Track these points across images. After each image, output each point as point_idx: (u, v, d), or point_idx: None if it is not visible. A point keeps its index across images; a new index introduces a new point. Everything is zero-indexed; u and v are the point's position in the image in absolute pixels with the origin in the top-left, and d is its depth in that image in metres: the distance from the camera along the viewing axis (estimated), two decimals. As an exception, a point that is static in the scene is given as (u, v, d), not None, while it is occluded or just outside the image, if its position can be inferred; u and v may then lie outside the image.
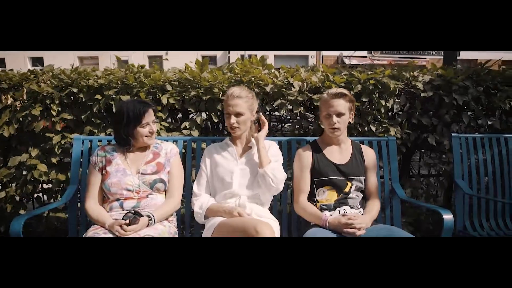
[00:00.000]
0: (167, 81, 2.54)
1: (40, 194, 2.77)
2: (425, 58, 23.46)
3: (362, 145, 2.22)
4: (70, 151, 2.42)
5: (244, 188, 2.01)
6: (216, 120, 2.58)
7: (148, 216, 1.81)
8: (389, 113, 2.71)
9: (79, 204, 2.21)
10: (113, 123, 2.02)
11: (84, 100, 2.44)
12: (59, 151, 2.47)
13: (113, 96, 2.43)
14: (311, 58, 23.67)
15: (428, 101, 2.68)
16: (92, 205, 1.91)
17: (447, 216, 1.82)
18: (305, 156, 2.10)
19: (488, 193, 2.47)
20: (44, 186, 2.74)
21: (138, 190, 1.91)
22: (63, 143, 2.45)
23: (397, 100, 2.64)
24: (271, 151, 2.08)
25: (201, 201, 2.01)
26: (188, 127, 2.52)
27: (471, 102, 2.64)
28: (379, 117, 2.62)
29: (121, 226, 1.73)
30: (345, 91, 2.06)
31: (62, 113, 2.47)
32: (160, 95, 2.52)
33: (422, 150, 2.82)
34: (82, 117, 2.47)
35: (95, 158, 1.97)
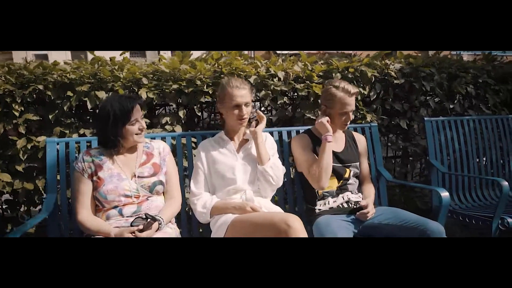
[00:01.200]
0: (144, 74, 2.35)
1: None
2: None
3: (353, 132, 2.29)
4: (38, 156, 2.14)
5: (246, 183, 1.94)
6: (199, 114, 2.46)
7: (158, 220, 1.67)
8: (366, 100, 2.82)
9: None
10: (98, 124, 1.81)
11: (52, 98, 2.15)
12: (25, 157, 2.16)
13: (87, 92, 2.18)
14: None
15: (399, 88, 2.83)
16: (88, 216, 1.71)
17: (444, 194, 1.95)
18: (305, 141, 2.11)
19: (456, 170, 2.70)
20: (3, 197, 2.39)
21: (137, 194, 1.76)
22: (29, 147, 2.14)
23: (373, 87, 2.75)
24: (268, 144, 2.04)
25: (204, 200, 1.91)
26: (169, 122, 2.37)
27: (436, 88, 2.84)
28: (357, 104, 2.70)
29: (132, 232, 1.58)
30: (356, 89, 2.08)
31: (25, 113, 2.16)
32: (136, 89, 2.32)
33: (395, 134, 2.97)
34: (50, 116, 2.18)
35: (82, 164, 1.76)
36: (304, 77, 2.60)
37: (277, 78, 2.52)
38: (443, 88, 2.89)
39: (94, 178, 1.74)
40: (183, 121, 2.42)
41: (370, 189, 2.18)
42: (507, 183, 2.11)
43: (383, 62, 2.80)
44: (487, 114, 2.98)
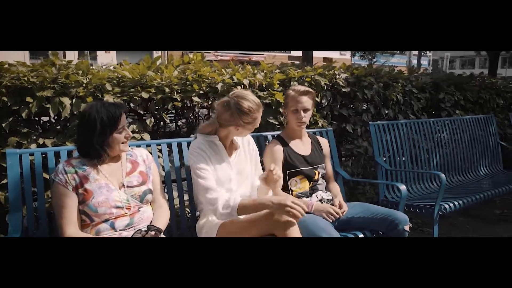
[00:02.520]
0: (108, 79, 2.24)
1: None
2: (263, 54, 26.02)
3: (317, 136, 2.48)
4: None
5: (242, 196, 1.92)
6: (168, 121, 2.41)
7: (159, 232, 1.63)
8: (318, 107, 3.05)
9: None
10: (82, 132, 1.69)
11: (9, 104, 1.92)
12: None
13: (50, 98, 2.00)
14: (155, 53, 23.17)
15: (345, 96, 3.14)
16: (78, 233, 1.58)
17: (402, 187, 2.25)
18: (278, 150, 2.22)
19: (396, 166, 3.08)
20: None
21: (128, 205, 1.68)
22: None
23: (324, 95, 3.00)
24: (251, 146, 2.07)
25: (225, 197, 1.75)
26: (136, 130, 2.29)
27: (375, 95, 3.22)
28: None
29: None
30: (309, 88, 2.26)
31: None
32: (100, 95, 2.20)
33: (343, 137, 3.27)
34: (4, 125, 1.94)
35: (64, 176, 1.62)
36: (265, 85, 2.73)
37: (241, 85, 2.60)
38: (380, 96, 3.27)
39: (80, 190, 1.62)
40: (151, 130, 2.35)
41: (336, 188, 2.39)
42: (444, 175, 2.50)
43: (331, 72, 3.07)
44: (411, 119, 3.46)
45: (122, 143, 1.69)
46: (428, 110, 3.74)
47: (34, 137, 2.02)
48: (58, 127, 2.18)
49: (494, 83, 4.37)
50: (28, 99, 1.96)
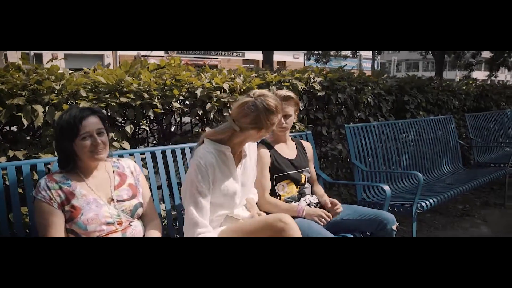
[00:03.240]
0: (83, 85, 2.10)
1: None
2: (217, 58, 25.94)
3: (301, 140, 2.49)
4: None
5: (241, 208, 1.87)
6: (147, 128, 2.31)
7: None
8: (295, 111, 3.07)
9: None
10: (55, 142, 1.57)
11: (-25, 113, 1.73)
12: None
13: (22, 106, 1.83)
14: (107, 58, 22.29)
15: (320, 99, 3.18)
16: None
17: (387, 187, 2.31)
18: (265, 155, 2.19)
19: (371, 167, 3.17)
20: None
21: (119, 220, 1.58)
22: None
23: (301, 99, 3.02)
24: (255, 154, 1.99)
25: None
26: (115, 138, 2.16)
27: (348, 99, 3.30)
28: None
29: None
30: (292, 94, 2.25)
31: None
32: (74, 102, 2.05)
33: (318, 140, 3.31)
34: (-32, 137, 1.75)
35: (48, 193, 1.48)
36: (244, 90, 2.70)
37: (221, 90, 2.55)
38: (352, 99, 3.36)
39: (66, 207, 1.49)
40: (130, 138, 2.23)
41: (321, 190, 2.41)
42: (421, 175, 2.61)
43: (306, 75, 3.10)
44: (381, 121, 3.59)
45: (91, 151, 1.54)
46: (394, 112, 3.90)
47: (3, 150, 1.84)
48: (28, 138, 2.00)
49: (450, 85, 4.65)
50: (-4, 107, 1.78)
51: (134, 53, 19.92)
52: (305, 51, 23.46)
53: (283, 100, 2.17)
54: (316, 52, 19.62)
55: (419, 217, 3.52)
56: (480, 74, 28.76)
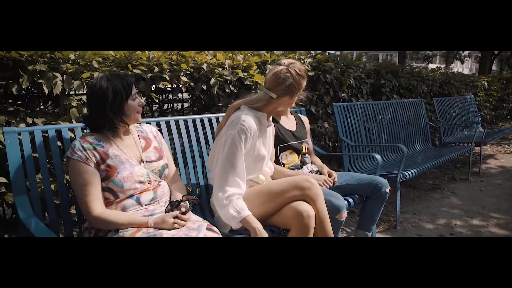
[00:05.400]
0: (94, 58, 2.13)
1: None
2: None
3: (299, 115, 2.67)
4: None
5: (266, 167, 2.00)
6: (156, 100, 2.38)
7: (197, 200, 1.66)
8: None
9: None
10: (93, 105, 1.63)
11: (-2, 79, 1.74)
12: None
13: (43, 72, 1.85)
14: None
15: (310, 79, 3.37)
16: (106, 210, 1.54)
17: (378, 156, 2.55)
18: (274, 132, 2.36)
19: (356, 143, 3.42)
20: None
21: (149, 180, 1.68)
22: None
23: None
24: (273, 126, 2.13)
25: (241, 204, 1.73)
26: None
27: (334, 79, 3.51)
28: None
29: (175, 217, 1.53)
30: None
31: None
32: (88, 72, 2.09)
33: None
34: (-10, 103, 1.76)
35: (84, 153, 1.55)
36: (244, 67, 2.82)
37: (223, 67, 2.67)
38: (338, 80, 3.58)
39: (102, 166, 1.57)
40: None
41: (318, 160, 2.61)
42: (405, 147, 2.88)
43: (297, 56, 3.28)
44: (361, 101, 3.85)
45: (137, 111, 1.66)
46: (372, 94, 4.18)
47: (22, 116, 1.86)
48: (42, 107, 2.03)
49: (420, 71, 5.02)
50: (20, 72, 1.79)
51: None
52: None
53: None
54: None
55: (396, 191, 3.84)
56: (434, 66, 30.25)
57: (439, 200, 3.64)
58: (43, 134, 1.75)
